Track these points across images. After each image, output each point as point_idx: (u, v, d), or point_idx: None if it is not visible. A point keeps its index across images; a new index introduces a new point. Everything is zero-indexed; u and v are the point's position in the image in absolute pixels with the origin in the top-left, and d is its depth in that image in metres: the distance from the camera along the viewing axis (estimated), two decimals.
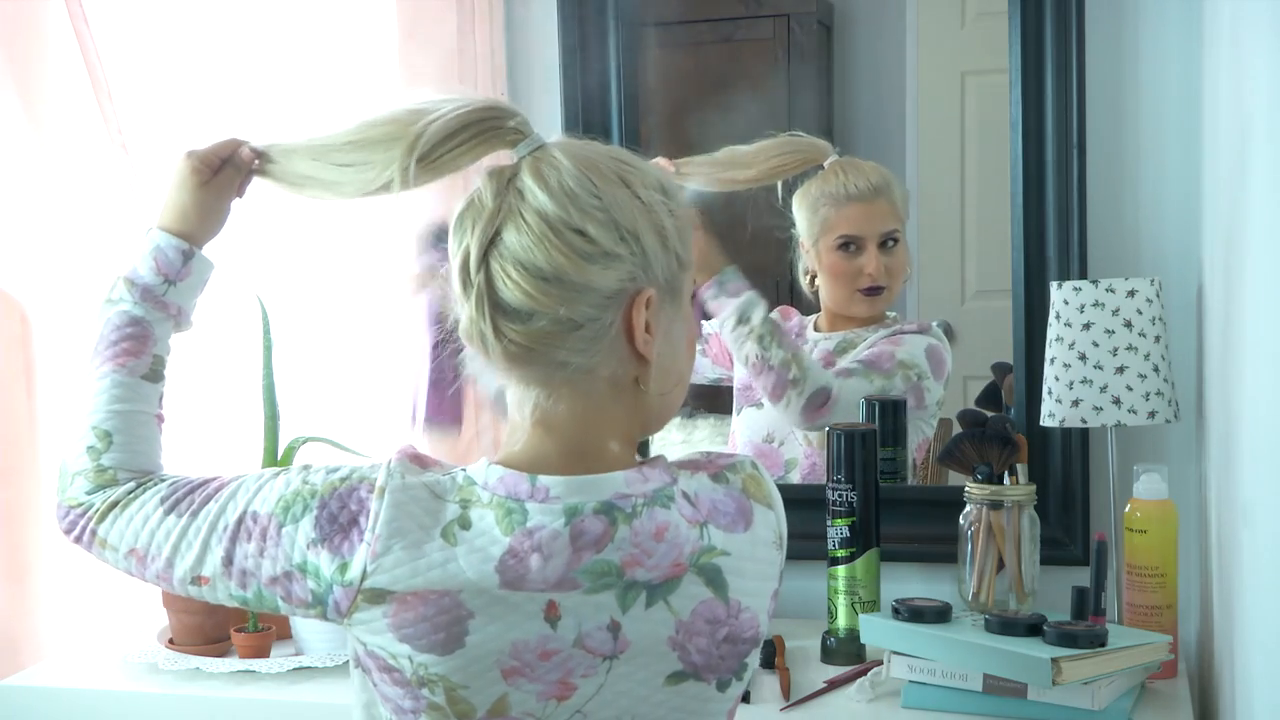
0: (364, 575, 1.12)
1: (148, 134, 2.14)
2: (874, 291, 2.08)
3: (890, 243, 2.08)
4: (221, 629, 1.90)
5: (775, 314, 2.08)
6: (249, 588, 1.18)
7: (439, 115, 1.16)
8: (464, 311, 1.14)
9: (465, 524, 1.12)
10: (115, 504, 1.24)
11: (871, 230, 2.07)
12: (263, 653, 1.87)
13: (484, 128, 1.17)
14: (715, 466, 1.19)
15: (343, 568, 1.13)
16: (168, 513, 1.21)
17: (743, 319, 2.01)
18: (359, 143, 1.20)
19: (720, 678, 1.17)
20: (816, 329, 2.14)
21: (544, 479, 1.13)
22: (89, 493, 1.26)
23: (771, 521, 1.19)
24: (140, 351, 1.29)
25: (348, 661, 1.80)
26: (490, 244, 1.12)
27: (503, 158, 1.18)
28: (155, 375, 1.30)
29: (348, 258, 2.15)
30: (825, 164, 2.09)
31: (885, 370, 2.04)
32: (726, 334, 2.02)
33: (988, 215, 2.06)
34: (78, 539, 1.26)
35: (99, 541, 1.25)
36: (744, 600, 1.16)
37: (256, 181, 1.34)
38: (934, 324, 2.09)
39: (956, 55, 2.12)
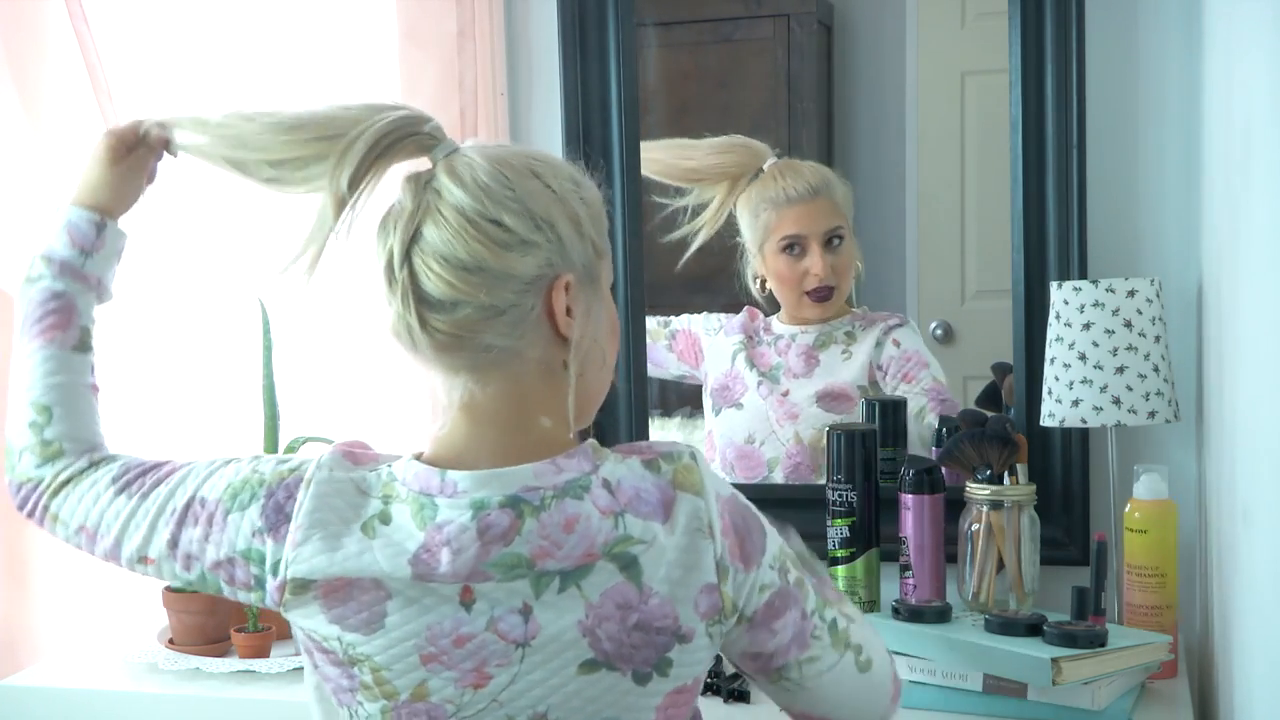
0: (285, 565, 1.17)
1: None
2: (822, 292, 2.08)
3: (835, 240, 2.08)
4: (221, 629, 1.91)
5: (738, 317, 2.11)
6: (193, 570, 1.23)
7: (360, 132, 1.19)
8: (390, 308, 1.18)
9: (385, 519, 1.16)
10: (68, 481, 1.28)
11: (814, 229, 2.07)
12: (263, 653, 1.87)
13: (400, 135, 1.20)
14: (651, 453, 1.20)
15: (278, 555, 1.18)
16: (118, 493, 1.25)
17: None
18: (282, 155, 1.23)
19: (636, 669, 1.16)
20: (782, 322, 2.13)
21: (453, 474, 1.17)
22: (37, 467, 1.29)
23: (699, 509, 1.17)
24: (66, 324, 1.32)
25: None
26: (412, 241, 1.16)
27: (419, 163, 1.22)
28: (84, 346, 1.33)
29: (348, 258, 2.15)
30: (764, 167, 2.10)
31: (916, 377, 2.05)
32: None
33: (988, 215, 2.06)
34: (30, 514, 1.30)
35: (50, 516, 1.29)
36: (656, 587, 1.15)
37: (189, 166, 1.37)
38: (911, 320, 2.09)
39: (956, 55, 2.12)
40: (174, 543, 1.22)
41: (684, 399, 2.19)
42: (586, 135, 2.09)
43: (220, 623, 1.91)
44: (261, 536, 1.19)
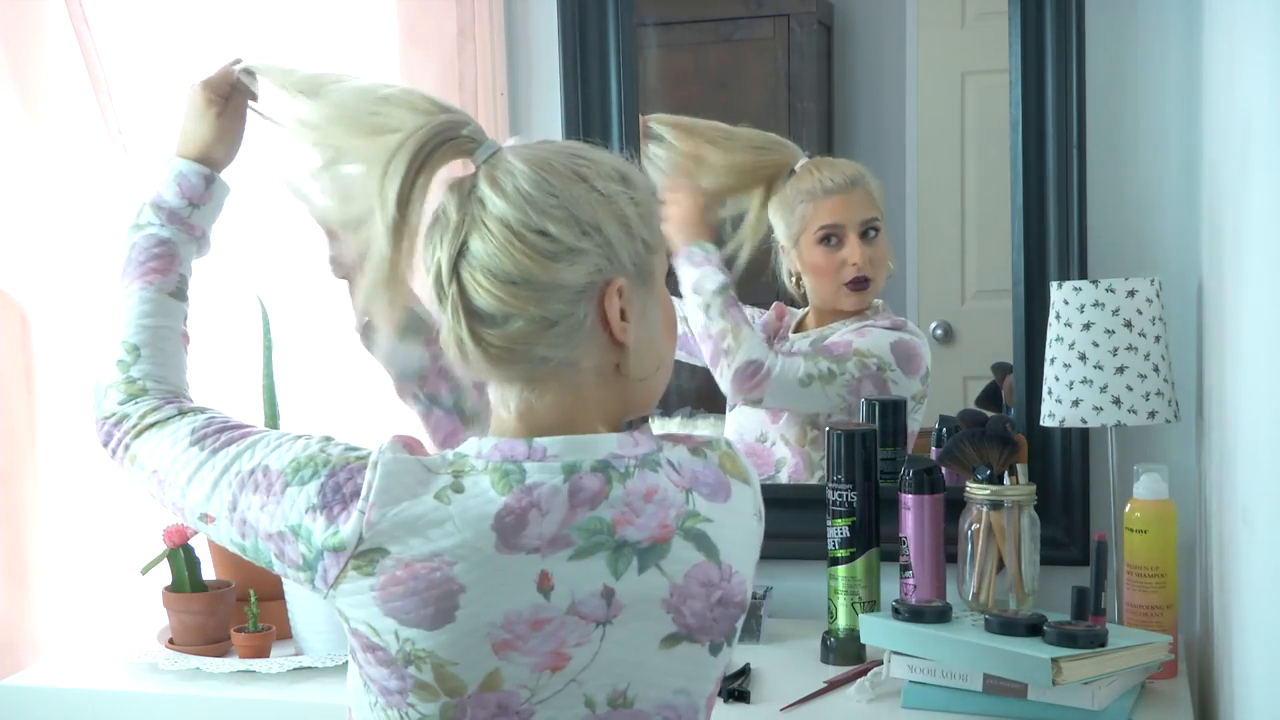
0: (359, 541, 1.13)
1: (148, 134, 2.14)
2: (859, 283, 2.08)
3: (871, 232, 2.08)
4: (221, 629, 1.91)
5: (765, 313, 2.11)
6: (247, 537, 1.21)
7: (399, 144, 1.17)
8: (442, 321, 1.17)
9: (458, 488, 1.14)
10: (153, 425, 1.29)
11: (851, 219, 2.07)
12: (263, 653, 1.87)
13: (440, 141, 1.18)
14: (693, 442, 1.22)
15: (335, 534, 1.14)
16: (194, 443, 1.25)
17: (697, 289, 2.05)
18: (345, 139, 1.23)
19: (713, 640, 1.20)
20: (800, 329, 2.14)
21: (540, 440, 1.16)
22: (121, 403, 1.31)
23: (749, 495, 1.22)
24: (167, 270, 1.38)
25: (348, 661, 1.82)
26: (459, 255, 1.15)
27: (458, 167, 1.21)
28: (180, 294, 1.38)
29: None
30: (796, 167, 2.10)
31: (836, 355, 2.04)
32: (686, 301, 2.06)
33: (988, 215, 2.06)
34: (113, 452, 1.32)
35: (130, 456, 1.29)
36: (734, 565, 1.19)
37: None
38: (910, 323, 2.09)
39: (956, 55, 2.12)
40: (233, 506, 1.20)
41: (684, 399, 2.19)
42: (586, 135, 2.08)
43: (220, 623, 1.91)
44: (314, 514, 1.15)
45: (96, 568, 2.10)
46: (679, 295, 2.06)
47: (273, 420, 1.96)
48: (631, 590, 1.15)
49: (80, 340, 2.10)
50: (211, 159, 1.43)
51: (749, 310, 2.11)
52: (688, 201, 2.09)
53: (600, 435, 1.17)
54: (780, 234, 2.12)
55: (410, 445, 1.18)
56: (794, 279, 2.13)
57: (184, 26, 2.16)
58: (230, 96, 1.43)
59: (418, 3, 2.11)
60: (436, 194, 1.18)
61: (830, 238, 2.08)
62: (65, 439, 2.08)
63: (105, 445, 1.32)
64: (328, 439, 1.21)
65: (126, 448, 1.29)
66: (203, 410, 1.30)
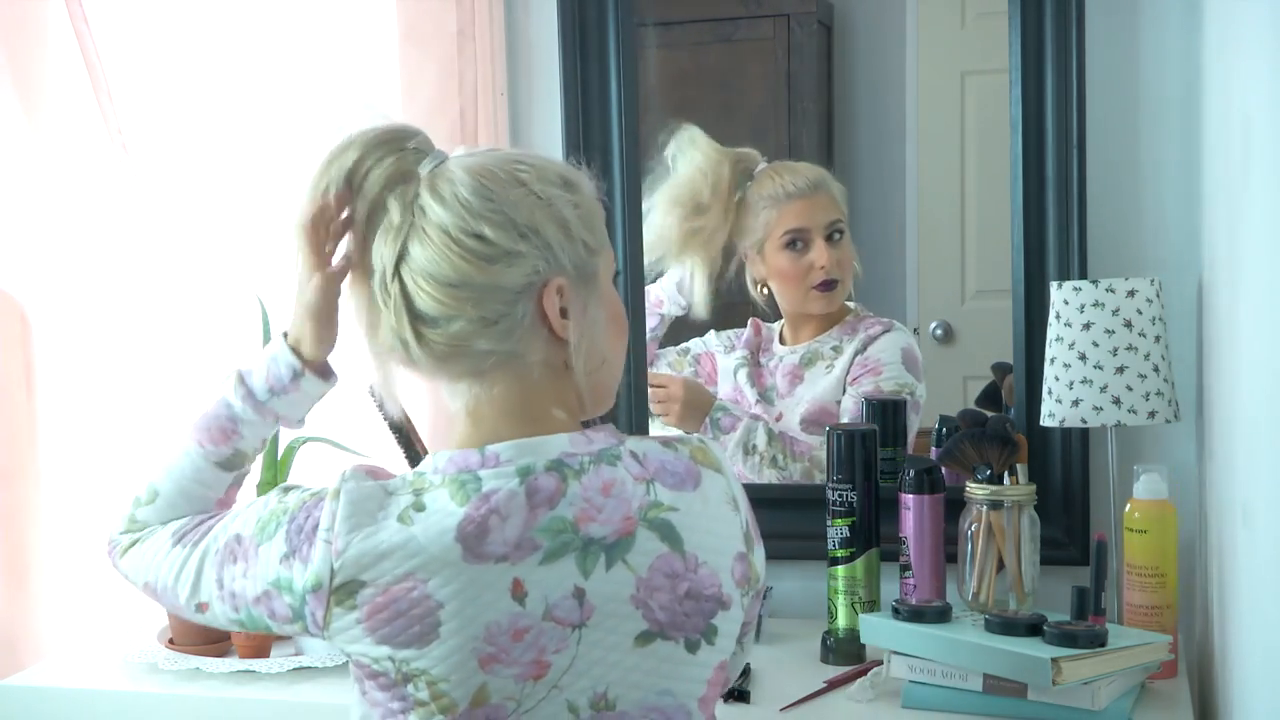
0: (332, 574, 1.16)
1: (148, 134, 2.14)
2: (827, 286, 2.08)
3: (836, 235, 2.08)
4: (221, 629, 1.90)
5: (744, 331, 2.13)
6: (240, 610, 1.23)
7: (345, 145, 1.22)
8: (384, 320, 1.20)
9: (419, 507, 1.16)
10: (136, 541, 1.32)
11: (816, 222, 2.07)
12: (263, 653, 1.87)
13: (387, 151, 1.21)
14: (664, 438, 1.24)
15: (311, 572, 1.17)
16: (175, 544, 1.28)
17: (749, 450, 2.06)
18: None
19: (687, 637, 1.20)
20: (782, 341, 2.14)
21: (492, 447, 1.18)
22: (121, 533, 1.34)
23: (720, 483, 1.23)
24: (222, 441, 1.33)
25: (348, 661, 1.82)
26: (399, 259, 1.19)
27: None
28: (230, 465, 1.34)
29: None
30: (755, 171, 2.10)
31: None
32: (740, 467, 2.08)
33: (988, 215, 2.06)
34: (112, 564, 1.36)
35: (123, 571, 1.34)
36: (701, 555, 1.19)
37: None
38: (895, 323, 2.09)
39: (956, 55, 2.12)
40: (220, 583, 1.24)
41: None
42: (586, 135, 2.09)
43: None
44: (288, 561, 1.18)
45: (97, 568, 2.10)
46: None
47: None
48: (601, 589, 1.16)
49: (80, 340, 2.10)
50: (308, 353, 1.30)
51: (728, 334, 2.14)
52: (675, 392, 2.12)
53: (552, 436, 1.19)
54: (743, 241, 2.11)
55: (373, 473, 1.20)
56: (759, 286, 2.13)
57: (184, 26, 2.16)
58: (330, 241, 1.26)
59: (417, 3, 2.11)
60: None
61: (795, 242, 2.08)
62: (65, 439, 2.08)
63: (109, 555, 1.36)
64: (285, 489, 1.24)
65: (117, 565, 1.34)
66: (181, 517, 1.32)
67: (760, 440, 2.05)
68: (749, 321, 2.15)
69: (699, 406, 2.10)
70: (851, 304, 2.11)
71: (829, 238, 2.08)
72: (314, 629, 1.18)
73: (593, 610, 1.16)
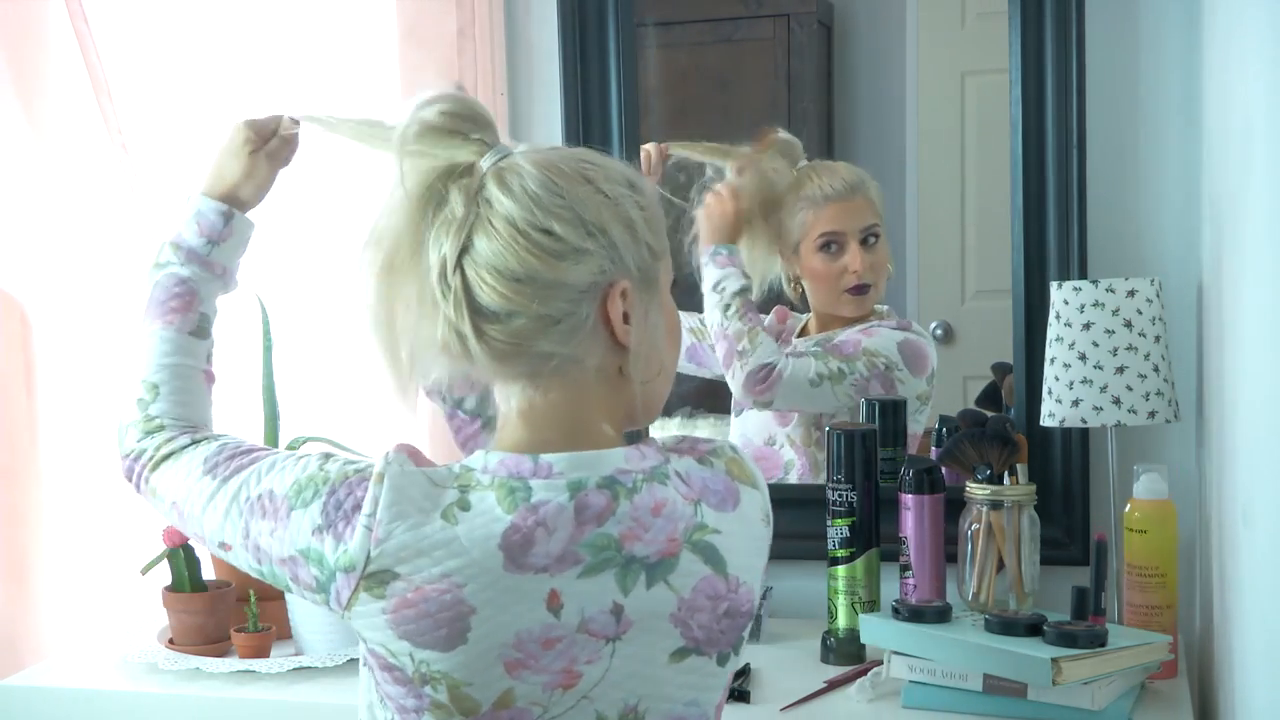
0: (368, 560, 1.13)
1: (148, 134, 2.15)
2: (860, 290, 2.07)
3: (871, 239, 2.07)
4: (221, 629, 1.91)
5: (767, 317, 2.11)
6: (263, 563, 1.21)
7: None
8: (441, 317, 1.16)
9: (464, 505, 1.14)
10: (167, 456, 1.30)
11: (852, 226, 2.07)
12: (263, 653, 1.87)
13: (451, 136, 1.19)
14: (698, 452, 1.22)
15: (345, 553, 1.14)
16: (206, 473, 1.26)
17: (717, 287, 2.04)
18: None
19: (720, 651, 1.20)
20: (804, 334, 2.13)
21: (546, 456, 1.16)
22: (139, 440, 1.32)
23: (758, 500, 1.22)
24: (187, 309, 1.38)
25: (348, 661, 1.82)
26: (463, 251, 1.15)
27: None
28: (201, 332, 1.39)
29: (348, 257, 2.15)
30: (796, 168, 2.10)
31: (846, 355, 2.03)
32: (705, 299, 2.06)
33: (988, 215, 2.06)
34: (136, 486, 1.33)
35: (150, 489, 1.31)
36: (741, 576, 1.19)
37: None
38: (915, 324, 2.08)
39: (956, 55, 2.12)
40: (246, 533, 1.21)
41: (684, 399, 2.19)
42: (586, 135, 2.09)
43: (220, 623, 1.91)
44: (321, 535, 1.16)
45: (96, 568, 2.10)
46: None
47: (273, 420, 1.96)
48: (640, 606, 1.15)
49: (80, 340, 2.10)
50: (237, 198, 1.43)
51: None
52: (729, 202, 2.08)
53: (607, 450, 1.17)
54: (780, 239, 2.11)
55: (414, 455, 1.18)
56: (793, 284, 2.12)
57: (184, 27, 2.16)
58: (269, 140, 1.44)
59: (417, 3, 2.11)
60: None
61: (831, 244, 2.08)
62: (65, 439, 2.08)
63: (129, 480, 1.34)
64: (327, 456, 1.22)
65: (146, 481, 1.31)
66: (217, 438, 1.30)
67: (729, 288, 2.04)
68: (774, 309, 2.14)
69: (726, 228, 2.07)
70: (880, 307, 2.10)
71: (864, 241, 2.07)
72: (335, 606, 1.16)
73: (630, 625, 1.15)
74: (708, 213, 2.07)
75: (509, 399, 1.20)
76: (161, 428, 1.32)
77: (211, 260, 1.40)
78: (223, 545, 1.24)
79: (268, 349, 1.94)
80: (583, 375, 1.18)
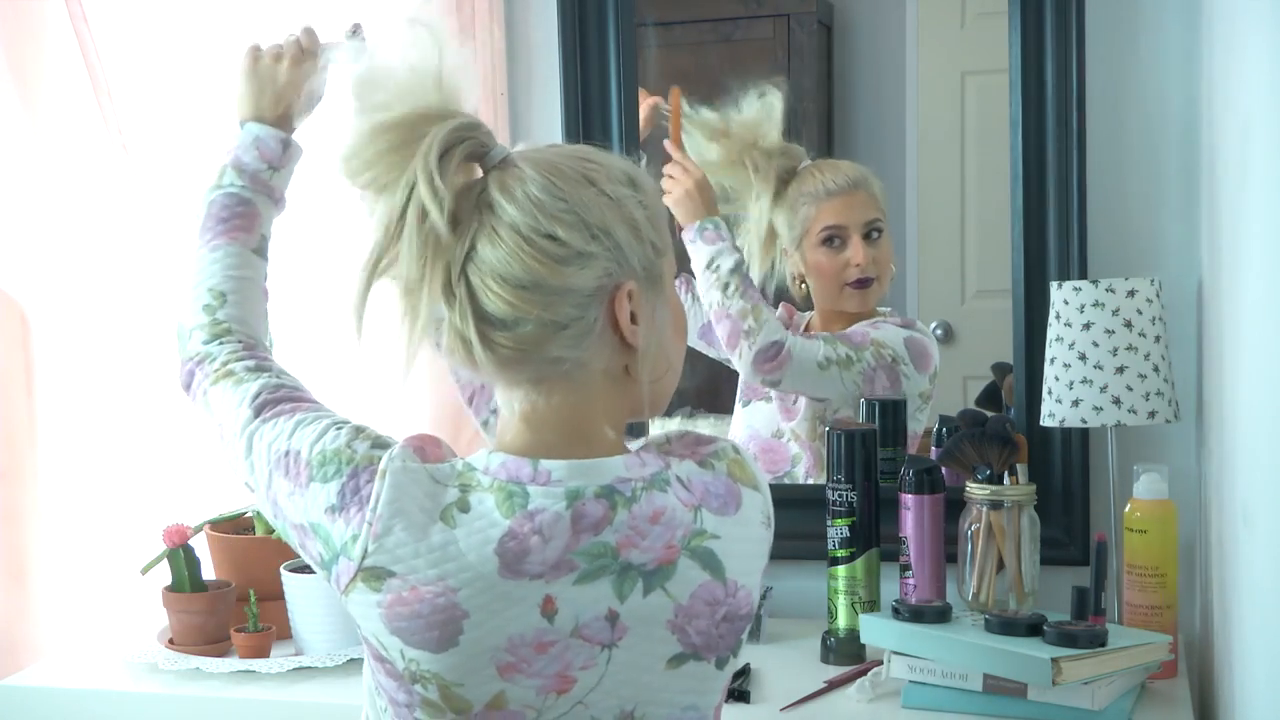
0: (364, 554, 1.13)
1: (148, 134, 2.14)
2: (863, 284, 2.07)
3: (874, 233, 2.07)
4: (222, 629, 1.91)
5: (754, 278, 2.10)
6: (277, 519, 1.22)
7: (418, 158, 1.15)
8: (446, 324, 1.16)
9: (464, 507, 1.13)
10: (231, 374, 1.29)
11: (854, 220, 2.07)
12: (263, 653, 1.87)
13: (450, 145, 1.16)
14: (699, 454, 1.21)
15: (352, 538, 1.14)
16: (253, 407, 1.25)
17: (711, 266, 2.03)
18: (380, 142, 1.20)
19: (719, 655, 1.19)
20: (807, 330, 2.13)
21: (546, 463, 1.15)
22: (205, 343, 1.34)
23: (759, 502, 1.21)
24: (250, 228, 1.43)
25: (348, 661, 1.82)
26: (467, 259, 1.14)
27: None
28: (262, 252, 1.43)
29: (347, 257, 2.15)
30: (799, 167, 2.10)
31: (854, 343, 2.03)
32: (699, 280, 2.04)
33: (988, 215, 2.06)
34: (192, 394, 1.33)
35: (205, 400, 1.30)
36: (740, 580, 1.18)
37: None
38: (918, 322, 2.08)
39: (956, 55, 2.12)
40: (269, 484, 1.21)
41: (684, 398, 2.19)
42: (586, 136, 2.09)
43: (220, 623, 1.91)
44: (333, 515, 1.15)
45: (96, 568, 2.10)
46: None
47: None
48: (635, 612, 1.14)
49: (80, 340, 2.10)
50: (285, 122, 1.49)
51: None
52: (688, 179, 2.08)
53: (606, 459, 1.16)
54: (782, 235, 2.11)
55: (422, 448, 1.17)
56: (797, 281, 2.12)
57: (184, 26, 2.16)
58: (301, 61, 1.52)
59: (417, 3, 2.10)
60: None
61: (833, 239, 2.08)
62: (65, 439, 2.07)
63: (186, 388, 1.33)
64: (359, 430, 1.20)
65: (205, 392, 1.30)
66: (278, 374, 1.30)
67: (725, 265, 2.02)
68: (780, 306, 2.13)
69: (700, 204, 2.06)
70: (882, 308, 2.10)
71: (866, 236, 2.07)
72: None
73: (625, 632, 1.14)
74: (673, 198, 2.06)
75: (512, 402, 1.19)
76: (229, 332, 1.34)
77: (272, 185, 1.46)
78: (249, 484, 1.25)
79: (267, 349, 1.94)
80: (588, 378, 1.17)
